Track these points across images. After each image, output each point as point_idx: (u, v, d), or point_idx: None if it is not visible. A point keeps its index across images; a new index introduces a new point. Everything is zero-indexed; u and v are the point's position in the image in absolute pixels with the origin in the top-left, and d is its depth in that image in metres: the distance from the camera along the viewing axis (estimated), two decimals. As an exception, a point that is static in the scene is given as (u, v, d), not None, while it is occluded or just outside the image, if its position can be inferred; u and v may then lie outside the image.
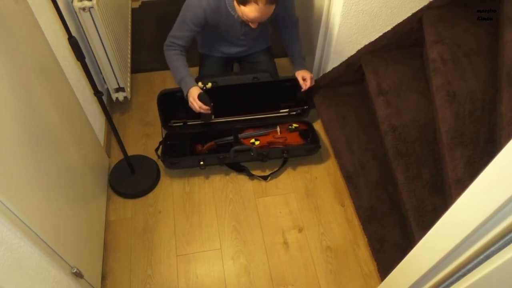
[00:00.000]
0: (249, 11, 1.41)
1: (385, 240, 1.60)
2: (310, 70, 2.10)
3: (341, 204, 1.82)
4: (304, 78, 1.79)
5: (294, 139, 1.91)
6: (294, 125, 1.95)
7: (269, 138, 1.89)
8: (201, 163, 1.80)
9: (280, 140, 1.89)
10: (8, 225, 0.93)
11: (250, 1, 1.39)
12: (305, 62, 1.85)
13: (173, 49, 1.68)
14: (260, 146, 1.86)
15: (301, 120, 1.98)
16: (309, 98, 1.94)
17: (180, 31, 1.64)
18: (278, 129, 1.93)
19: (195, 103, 1.65)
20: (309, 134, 1.93)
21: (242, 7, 1.43)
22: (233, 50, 1.83)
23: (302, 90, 1.81)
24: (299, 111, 1.97)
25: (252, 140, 1.88)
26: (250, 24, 1.53)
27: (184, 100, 1.74)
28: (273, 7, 1.44)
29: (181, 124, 1.93)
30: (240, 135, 1.88)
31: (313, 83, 1.82)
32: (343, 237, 1.72)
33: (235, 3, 1.49)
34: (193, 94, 1.65)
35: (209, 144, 1.86)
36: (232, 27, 1.65)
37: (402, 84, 1.74)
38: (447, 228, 0.80)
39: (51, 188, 1.20)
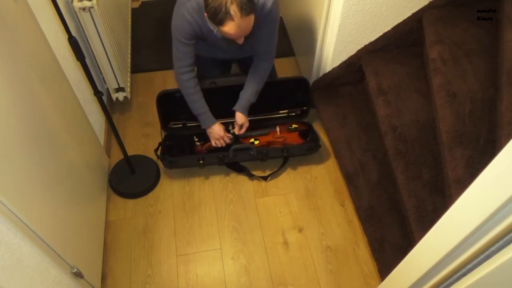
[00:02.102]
0: (228, 29, 1.33)
1: (385, 240, 1.60)
2: (310, 70, 2.11)
3: (341, 204, 1.82)
4: (241, 126, 1.80)
5: (293, 139, 1.90)
6: (294, 125, 1.95)
7: (268, 138, 1.89)
8: (201, 162, 1.80)
9: (280, 140, 1.88)
10: (8, 225, 0.93)
11: (225, 20, 1.30)
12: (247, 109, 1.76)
13: (186, 76, 1.61)
14: (260, 145, 1.86)
15: (300, 121, 1.98)
16: (309, 99, 1.94)
17: (179, 51, 1.57)
18: (277, 129, 1.92)
19: (222, 140, 1.78)
20: (308, 134, 1.93)
21: (221, 28, 1.34)
22: (227, 56, 1.80)
23: (236, 133, 1.82)
24: (298, 112, 1.97)
25: (252, 140, 1.88)
26: (236, 40, 1.44)
27: (184, 101, 1.74)
28: (251, 17, 1.34)
29: (181, 125, 1.92)
30: (239, 135, 1.88)
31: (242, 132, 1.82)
32: (343, 237, 1.72)
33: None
34: (219, 132, 1.76)
35: (208, 144, 1.86)
36: (217, 41, 1.57)
37: (402, 84, 1.74)
38: (447, 228, 0.80)
39: (51, 188, 1.20)
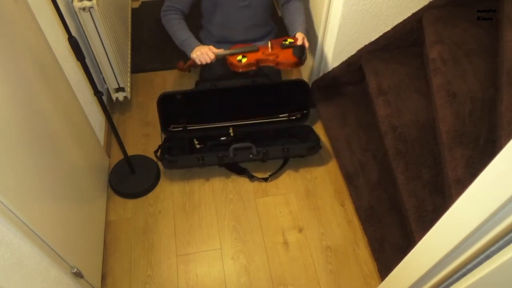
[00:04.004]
0: None
1: (385, 240, 1.60)
2: (310, 70, 2.11)
3: (341, 204, 1.82)
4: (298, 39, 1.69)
5: (286, 56, 1.68)
6: (289, 40, 1.73)
7: (258, 55, 1.69)
8: (200, 161, 1.80)
9: (271, 58, 1.68)
10: (8, 225, 0.93)
11: None
12: (305, 32, 1.73)
13: (172, 13, 1.64)
14: (247, 64, 1.66)
15: (299, 115, 1.94)
16: (309, 102, 1.93)
17: None
18: (269, 44, 1.72)
19: (206, 56, 1.61)
20: (303, 51, 1.69)
21: None
22: (234, 33, 1.78)
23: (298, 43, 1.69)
24: (299, 115, 1.96)
25: (239, 57, 1.68)
26: None
27: (185, 103, 1.73)
28: None
29: (181, 128, 1.92)
30: (225, 52, 1.69)
31: (306, 44, 1.70)
32: (343, 237, 1.72)
33: None
34: (203, 48, 1.62)
35: (191, 61, 1.68)
36: None
37: (402, 84, 1.74)
38: (447, 228, 0.80)
39: (51, 188, 1.20)
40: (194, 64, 1.68)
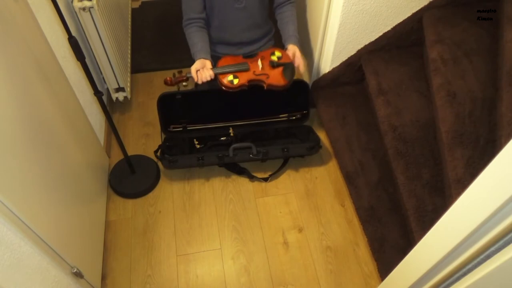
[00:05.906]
0: None
1: (385, 240, 1.60)
2: (310, 70, 2.11)
3: (341, 204, 1.82)
4: (294, 55, 1.71)
5: (276, 78, 1.70)
6: (277, 53, 1.74)
7: (249, 76, 1.69)
8: (200, 161, 1.80)
9: (262, 78, 1.69)
10: (8, 225, 0.93)
11: None
12: (298, 42, 1.75)
13: (190, 26, 1.69)
14: (239, 85, 1.66)
15: (298, 117, 1.95)
16: (308, 103, 1.93)
17: (188, 4, 1.67)
18: (259, 62, 1.71)
19: (208, 74, 1.61)
20: (293, 72, 1.72)
21: None
22: (231, 35, 1.78)
23: (296, 65, 1.71)
24: (298, 115, 1.96)
25: (230, 78, 1.66)
26: None
27: (185, 103, 1.72)
28: None
29: (181, 129, 1.92)
30: (217, 70, 1.66)
31: (301, 63, 1.72)
32: (343, 237, 1.72)
33: None
34: (196, 66, 1.62)
35: (179, 77, 1.68)
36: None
37: (402, 84, 1.74)
38: (447, 228, 0.80)
39: (51, 188, 1.20)
40: (183, 80, 1.68)
